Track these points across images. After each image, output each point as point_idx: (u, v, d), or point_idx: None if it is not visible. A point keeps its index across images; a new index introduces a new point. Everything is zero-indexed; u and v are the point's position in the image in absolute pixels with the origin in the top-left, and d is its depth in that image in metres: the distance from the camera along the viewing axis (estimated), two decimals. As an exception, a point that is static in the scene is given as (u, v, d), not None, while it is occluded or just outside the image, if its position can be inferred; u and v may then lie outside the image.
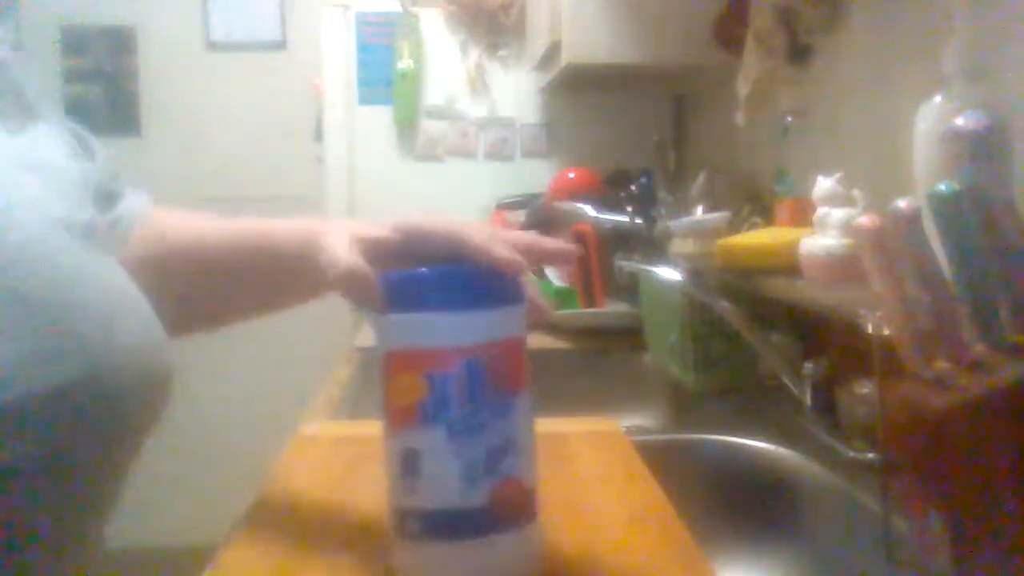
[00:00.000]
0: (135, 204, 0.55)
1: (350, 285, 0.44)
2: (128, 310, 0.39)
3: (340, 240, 0.46)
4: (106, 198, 0.51)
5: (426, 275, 0.43)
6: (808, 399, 0.94)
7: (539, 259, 0.48)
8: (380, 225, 0.48)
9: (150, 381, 0.40)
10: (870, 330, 0.57)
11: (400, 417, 0.43)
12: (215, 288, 0.56)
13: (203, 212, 0.59)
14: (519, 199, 1.99)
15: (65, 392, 0.32)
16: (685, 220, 1.33)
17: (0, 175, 0.37)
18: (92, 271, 0.37)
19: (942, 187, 0.43)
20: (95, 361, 0.34)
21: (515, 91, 2.13)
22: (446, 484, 0.42)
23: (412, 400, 0.42)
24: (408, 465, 0.42)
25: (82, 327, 0.34)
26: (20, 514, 0.33)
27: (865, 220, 0.45)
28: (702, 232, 1.26)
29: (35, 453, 0.32)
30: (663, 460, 0.70)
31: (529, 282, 0.46)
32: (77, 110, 2.68)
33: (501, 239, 0.44)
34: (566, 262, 0.47)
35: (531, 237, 0.46)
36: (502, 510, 0.42)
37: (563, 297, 1.55)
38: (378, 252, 0.46)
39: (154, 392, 0.40)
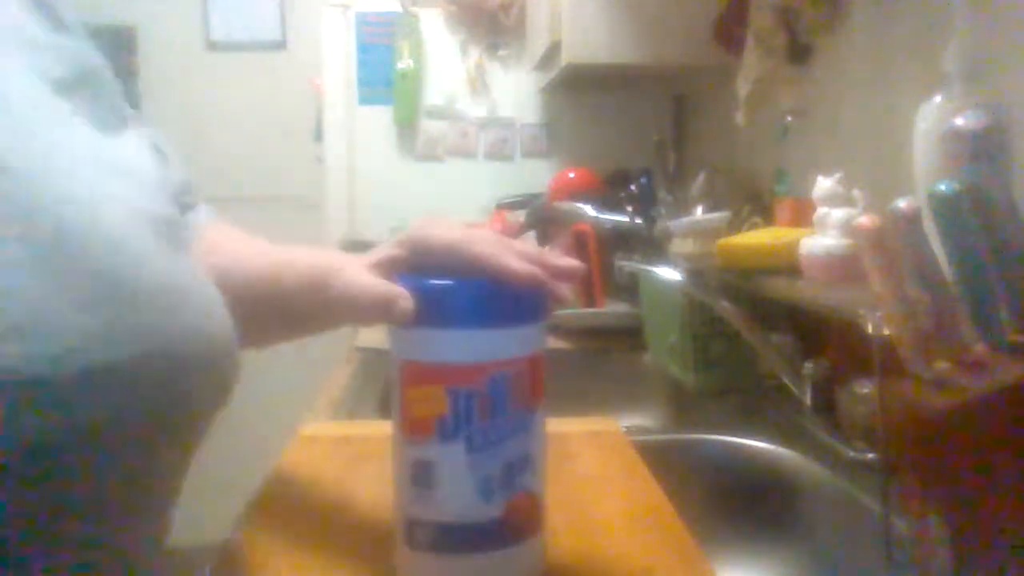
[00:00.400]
0: (201, 217, 0.59)
1: (386, 308, 0.42)
2: (195, 300, 0.41)
3: (359, 270, 0.46)
4: (180, 207, 0.55)
5: (454, 290, 0.42)
6: (808, 399, 0.94)
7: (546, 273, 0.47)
8: (386, 245, 0.48)
9: (212, 367, 0.42)
10: (870, 330, 0.57)
11: (416, 428, 0.42)
12: (242, 311, 0.57)
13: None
14: (519, 199, 2.00)
15: (130, 366, 0.35)
16: (685, 220, 1.33)
17: (90, 171, 0.39)
18: (165, 260, 0.40)
19: (942, 187, 0.43)
20: (159, 341, 0.37)
21: (515, 91, 2.14)
22: (461, 498, 0.41)
23: (431, 413, 0.41)
24: (422, 476, 0.42)
25: (150, 308, 0.37)
26: (88, 478, 0.35)
27: (865, 220, 0.45)
28: (702, 232, 1.26)
29: (99, 419, 0.34)
30: (663, 460, 0.70)
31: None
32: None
33: (512, 250, 0.43)
34: (571, 279, 0.45)
35: (538, 250, 0.45)
36: (515, 523, 0.42)
37: (563, 297, 1.54)
38: (391, 272, 0.46)
39: (216, 377, 0.43)
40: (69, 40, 0.45)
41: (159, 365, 0.37)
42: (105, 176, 0.40)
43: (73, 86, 0.42)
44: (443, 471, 0.41)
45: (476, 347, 0.41)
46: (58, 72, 0.42)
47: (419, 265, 0.46)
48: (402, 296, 0.41)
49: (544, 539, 0.45)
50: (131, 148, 0.46)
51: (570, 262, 0.45)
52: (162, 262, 0.39)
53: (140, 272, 0.37)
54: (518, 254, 0.43)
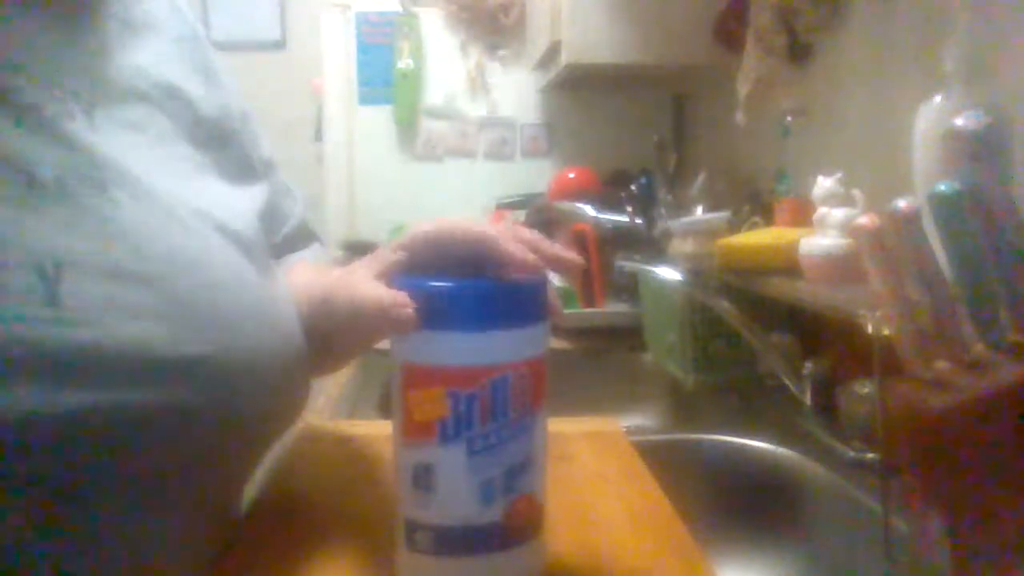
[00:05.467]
0: (308, 255, 0.65)
1: (384, 317, 0.43)
2: (260, 314, 0.45)
3: (359, 283, 0.47)
4: (289, 243, 0.63)
5: (455, 292, 0.41)
6: (808, 399, 0.94)
7: (543, 261, 0.48)
8: (386, 250, 0.49)
9: (270, 380, 0.45)
10: (870, 330, 0.57)
11: (417, 432, 0.41)
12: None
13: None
14: (519, 199, 2.00)
15: (190, 368, 0.39)
16: (685, 220, 1.33)
17: (200, 210, 0.45)
18: (238, 277, 0.45)
19: (942, 187, 0.43)
20: (219, 349, 0.41)
21: (515, 91, 2.14)
22: (461, 501, 0.41)
23: (432, 417, 0.40)
24: (422, 479, 0.41)
25: (213, 320, 0.41)
26: (153, 459, 0.39)
27: (865, 220, 0.45)
28: (702, 232, 1.26)
29: (163, 403, 0.38)
30: (663, 460, 0.70)
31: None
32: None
33: (514, 235, 0.43)
34: (568, 270, 0.46)
35: (537, 237, 0.45)
36: (515, 525, 0.42)
37: (563, 297, 1.55)
38: (394, 275, 0.46)
39: (275, 389, 0.46)
40: (216, 95, 0.54)
41: (220, 367, 0.41)
42: (208, 212, 0.46)
43: (209, 142, 0.52)
44: (443, 474, 0.41)
45: (477, 349, 0.40)
46: (200, 132, 0.51)
47: (422, 264, 0.46)
48: (400, 303, 0.41)
49: (544, 541, 0.45)
50: (247, 191, 0.54)
51: (569, 254, 0.45)
52: (239, 285, 0.45)
53: (213, 286, 0.42)
54: (520, 240, 0.43)
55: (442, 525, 0.41)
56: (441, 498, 0.41)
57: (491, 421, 0.40)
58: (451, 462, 0.41)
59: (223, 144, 0.54)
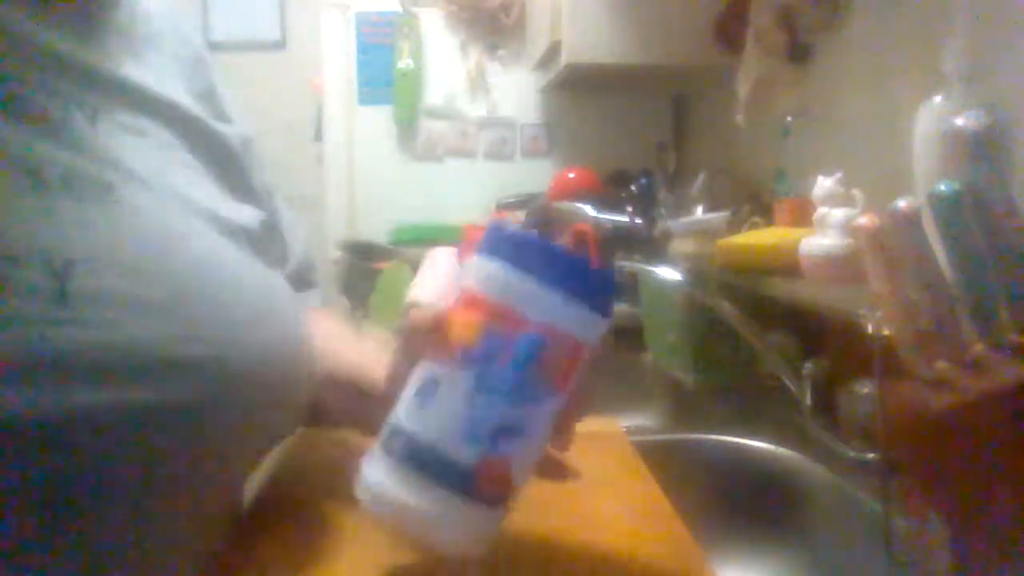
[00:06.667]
0: (311, 299, 0.66)
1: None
2: (265, 314, 0.47)
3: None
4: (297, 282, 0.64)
5: (542, 245, 0.43)
6: (808, 399, 0.94)
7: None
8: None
9: (273, 379, 0.46)
10: (870, 330, 0.57)
11: (443, 350, 0.43)
12: None
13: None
14: (519, 199, 2.00)
15: (196, 367, 0.39)
16: (685, 220, 1.33)
17: (202, 210, 0.47)
18: (243, 276, 0.46)
19: (942, 187, 0.43)
20: (224, 348, 0.41)
21: (515, 91, 2.14)
22: (447, 426, 0.42)
23: (460, 338, 0.42)
24: (424, 391, 0.43)
25: (218, 319, 0.42)
26: (152, 456, 0.39)
27: (865, 220, 0.45)
28: (702, 232, 1.26)
29: (168, 402, 0.39)
30: (663, 460, 0.70)
31: None
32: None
33: None
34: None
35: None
36: (482, 481, 0.42)
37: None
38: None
39: (278, 388, 0.47)
40: (216, 120, 0.56)
41: (225, 367, 0.41)
42: (211, 213, 0.48)
43: (209, 158, 0.53)
44: (445, 393, 0.42)
45: (529, 298, 0.42)
46: (200, 149, 0.52)
47: None
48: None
49: (501, 518, 0.44)
50: (247, 205, 0.56)
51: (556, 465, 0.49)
52: (241, 278, 0.46)
53: (217, 287, 0.43)
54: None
55: (420, 438, 0.42)
56: (432, 414, 0.42)
57: (512, 370, 0.41)
58: (456, 387, 0.42)
59: (223, 164, 0.55)
